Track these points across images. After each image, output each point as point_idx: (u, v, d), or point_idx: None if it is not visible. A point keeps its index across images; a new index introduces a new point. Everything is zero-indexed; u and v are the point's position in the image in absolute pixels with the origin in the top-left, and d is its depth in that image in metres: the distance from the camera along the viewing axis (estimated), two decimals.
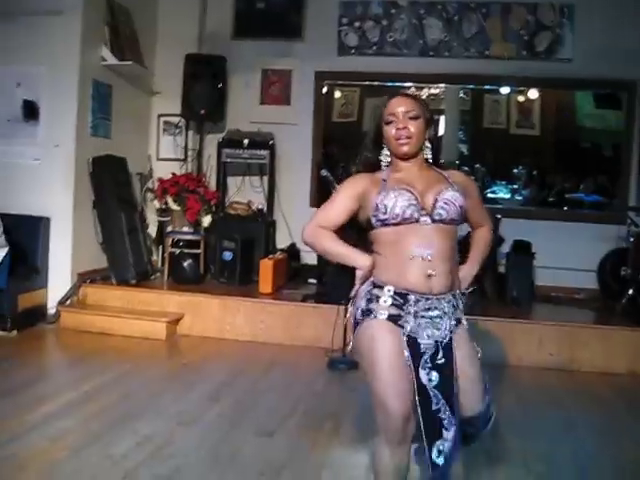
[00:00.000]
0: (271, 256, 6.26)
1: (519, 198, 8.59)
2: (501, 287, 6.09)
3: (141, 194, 6.88)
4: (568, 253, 6.50)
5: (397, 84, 7.48)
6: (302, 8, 7.16)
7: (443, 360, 2.31)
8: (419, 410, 2.25)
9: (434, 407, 2.26)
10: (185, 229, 6.53)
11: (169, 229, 6.68)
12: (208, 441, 3.44)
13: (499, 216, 6.12)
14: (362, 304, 2.36)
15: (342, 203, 2.40)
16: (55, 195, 5.80)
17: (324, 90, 7.44)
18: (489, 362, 5.16)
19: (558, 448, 3.58)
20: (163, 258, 6.66)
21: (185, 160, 7.19)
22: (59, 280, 5.81)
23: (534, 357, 5.21)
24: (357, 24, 7.11)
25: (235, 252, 6.23)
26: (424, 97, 8.51)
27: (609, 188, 7.36)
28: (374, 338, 2.30)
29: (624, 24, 6.62)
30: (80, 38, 5.80)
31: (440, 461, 2.26)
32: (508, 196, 8.68)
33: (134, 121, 6.91)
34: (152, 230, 6.98)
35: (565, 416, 4.14)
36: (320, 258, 5.94)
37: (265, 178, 7.13)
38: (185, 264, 6.28)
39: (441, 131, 8.54)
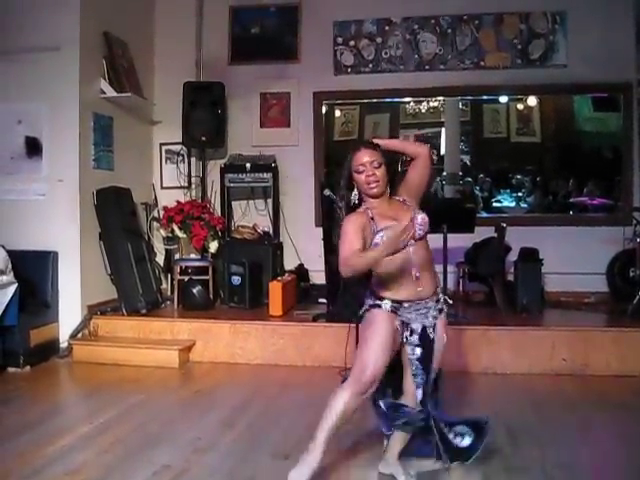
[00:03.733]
0: (280, 278, 6.27)
1: (524, 206, 8.60)
2: (511, 295, 6.07)
3: (147, 223, 6.92)
4: (576, 258, 6.51)
5: (395, 100, 7.54)
6: (297, 30, 7.25)
7: (426, 340, 3.00)
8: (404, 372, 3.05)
9: (413, 372, 3.02)
10: (192, 256, 6.55)
11: (177, 257, 6.71)
12: (225, 466, 3.42)
13: (504, 225, 6.14)
14: (370, 301, 3.04)
15: (356, 235, 2.88)
16: (61, 229, 5.84)
17: (324, 110, 7.49)
18: (502, 371, 5.20)
19: (577, 454, 3.54)
20: (172, 286, 6.69)
21: (189, 187, 7.25)
22: (70, 313, 5.83)
23: (547, 364, 5.19)
24: (352, 43, 7.18)
25: (243, 276, 6.25)
26: (423, 111, 8.59)
27: (613, 190, 7.36)
28: (375, 320, 2.98)
29: (616, 27, 6.68)
30: (79, 73, 5.87)
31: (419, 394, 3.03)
32: (513, 204, 8.69)
33: (136, 151, 6.97)
34: (160, 259, 7.01)
35: (582, 422, 4.10)
36: (329, 277, 5.96)
37: (269, 201, 7.17)
38: (194, 291, 6.30)
39: (442, 143, 8.59)
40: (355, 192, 3.06)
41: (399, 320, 2.97)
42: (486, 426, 3.19)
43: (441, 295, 3.09)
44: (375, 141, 3.11)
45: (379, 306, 2.98)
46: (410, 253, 2.90)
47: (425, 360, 3.01)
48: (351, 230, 2.90)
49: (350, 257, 2.79)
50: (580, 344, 5.22)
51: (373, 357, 2.92)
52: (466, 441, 3.15)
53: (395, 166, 3.15)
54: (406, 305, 2.97)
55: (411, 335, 3.00)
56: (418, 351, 2.99)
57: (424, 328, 2.99)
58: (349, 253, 2.81)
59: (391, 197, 3.07)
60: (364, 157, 2.99)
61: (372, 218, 2.95)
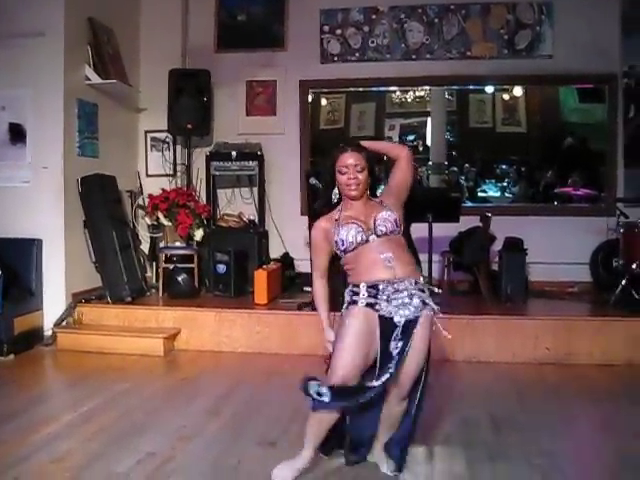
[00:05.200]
0: (265, 266, 6.27)
1: (509, 195, 8.65)
2: (495, 285, 6.12)
3: (132, 211, 6.90)
4: (560, 248, 6.56)
5: (382, 89, 7.52)
6: (283, 18, 7.22)
7: (407, 334, 2.92)
8: (378, 364, 2.96)
9: (388, 365, 2.89)
10: (177, 244, 6.54)
11: (162, 245, 6.70)
12: (210, 454, 3.43)
13: (489, 214, 6.17)
14: (348, 298, 3.04)
15: (321, 252, 3.13)
16: (45, 216, 5.81)
17: (310, 98, 7.48)
18: (486, 360, 5.23)
19: (559, 442, 3.59)
20: (157, 274, 6.67)
21: (174, 175, 7.23)
22: (54, 301, 5.81)
23: (531, 353, 5.23)
24: (339, 31, 7.16)
25: (229, 264, 6.24)
26: (410, 100, 8.59)
27: (597, 181, 7.40)
28: (351, 317, 2.98)
29: (602, 19, 6.72)
30: (63, 59, 5.82)
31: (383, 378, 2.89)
32: (498, 194, 8.73)
33: (121, 139, 6.94)
34: (145, 247, 6.99)
35: (565, 410, 4.15)
36: None
37: (255, 189, 7.16)
38: (179, 279, 6.28)
39: (428, 133, 8.61)
40: (336, 191, 3.15)
41: (377, 315, 2.93)
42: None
43: (426, 287, 3.04)
44: (362, 143, 3.17)
45: (355, 302, 2.98)
46: (375, 246, 2.98)
47: (403, 353, 2.91)
48: (317, 246, 3.13)
49: (317, 291, 3.18)
50: (563, 333, 5.27)
51: (343, 359, 2.92)
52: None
53: (378, 170, 3.22)
54: (381, 287, 2.92)
55: (394, 330, 2.92)
56: (400, 344, 2.90)
57: (406, 322, 2.92)
58: (320, 279, 3.17)
59: (370, 199, 3.15)
60: (349, 159, 3.06)
61: (337, 219, 3.08)
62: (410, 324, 2.93)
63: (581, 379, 4.83)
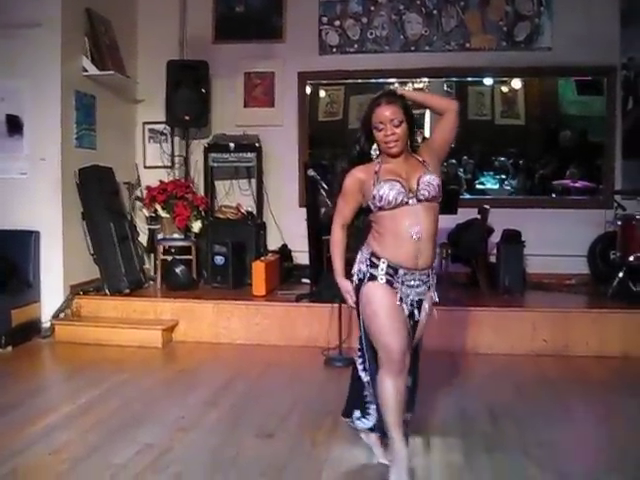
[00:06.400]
0: (263, 258, 6.28)
1: (507, 188, 8.65)
2: (493, 277, 6.13)
3: (130, 203, 6.89)
4: (558, 240, 6.56)
5: (380, 80, 7.51)
6: (282, 9, 7.19)
7: (414, 314, 2.97)
8: None
9: None
10: (176, 236, 6.54)
11: (160, 237, 6.68)
12: (208, 445, 3.44)
13: (487, 207, 6.17)
14: (364, 268, 2.95)
15: (351, 200, 2.98)
16: (43, 208, 5.79)
17: (308, 90, 7.46)
18: (484, 352, 5.25)
19: (556, 433, 3.59)
20: (155, 266, 6.67)
21: (172, 167, 7.21)
22: (52, 293, 5.80)
23: (528, 344, 5.25)
24: (337, 23, 7.13)
25: (227, 256, 6.24)
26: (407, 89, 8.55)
27: (595, 173, 7.40)
28: (376, 295, 2.91)
29: (600, 11, 6.69)
30: (60, 50, 5.80)
31: None
32: (496, 186, 8.73)
33: (119, 130, 6.92)
34: (143, 239, 6.98)
35: (562, 401, 4.16)
36: (312, 257, 5.99)
37: (253, 181, 7.15)
38: (178, 271, 6.28)
39: (427, 125, 8.58)
40: (375, 147, 2.96)
41: (396, 293, 2.90)
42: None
43: (433, 272, 3.02)
44: (399, 91, 2.98)
45: (374, 277, 2.89)
46: (413, 211, 2.84)
47: (411, 333, 2.98)
48: (349, 192, 2.97)
49: (336, 242, 3.04)
50: (561, 325, 5.28)
51: (390, 335, 2.87)
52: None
53: (417, 121, 2.99)
54: (401, 272, 2.87)
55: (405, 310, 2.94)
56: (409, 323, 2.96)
57: (412, 302, 2.94)
58: (341, 230, 3.03)
59: (411, 154, 2.97)
60: (385, 113, 2.85)
61: (377, 172, 2.90)
62: (414, 306, 2.95)
63: (578, 371, 4.84)
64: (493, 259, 6.35)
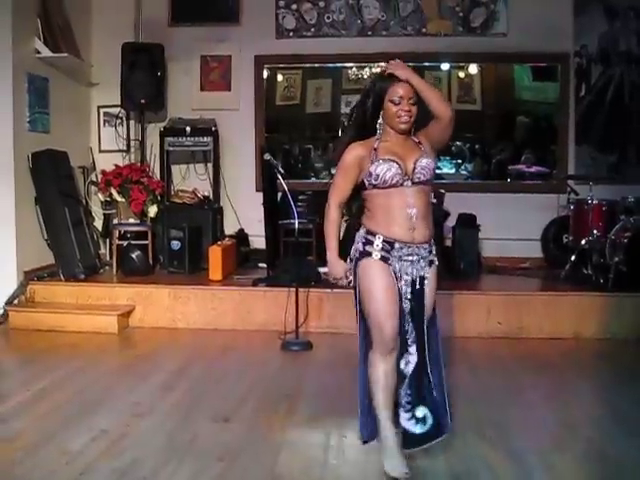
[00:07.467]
0: (219, 243, 6.26)
1: (463, 172, 8.69)
2: (448, 260, 6.16)
3: (84, 187, 6.82)
4: (512, 224, 6.67)
5: (338, 65, 7.50)
6: None
7: (417, 293, 2.95)
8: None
9: (405, 328, 2.95)
10: (131, 220, 6.48)
11: (115, 221, 6.62)
12: (164, 430, 3.44)
13: (443, 191, 6.23)
14: (359, 246, 2.95)
15: (350, 176, 2.93)
16: None
17: (265, 74, 7.41)
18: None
19: (509, 413, 3.68)
20: (111, 251, 6.60)
21: (128, 151, 7.14)
22: (5, 279, 5.70)
23: (483, 327, 5.34)
24: (294, 6, 7.12)
25: (183, 241, 6.22)
26: (366, 77, 8.55)
27: (549, 158, 7.51)
28: (371, 273, 2.91)
29: None
30: (11, 31, 5.68)
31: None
32: (453, 171, 8.77)
33: (73, 114, 6.82)
34: (98, 223, 6.91)
35: (515, 382, 4.25)
36: (269, 242, 5.99)
37: (209, 165, 7.12)
38: (133, 256, 6.23)
39: None
40: (380, 121, 2.93)
41: (391, 270, 2.89)
42: (448, 425, 3.07)
43: (434, 247, 3.02)
44: (409, 79, 2.90)
45: (369, 254, 2.89)
46: (407, 193, 2.86)
47: (416, 314, 2.96)
48: (347, 168, 2.93)
49: (331, 220, 2.98)
50: (515, 308, 5.38)
51: (384, 311, 2.87)
52: (419, 429, 3.00)
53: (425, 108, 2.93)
54: (397, 247, 2.87)
55: (402, 289, 2.92)
56: (409, 304, 2.93)
57: (413, 280, 2.92)
58: (337, 208, 2.97)
59: (410, 136, 2.98)
60: (405, 88, 2.87)
61: (375, 149, 2.90)
62: (415, 284, 2.93)
63: (531, 352, 4.96)
64: (449, 243, 6.41)
